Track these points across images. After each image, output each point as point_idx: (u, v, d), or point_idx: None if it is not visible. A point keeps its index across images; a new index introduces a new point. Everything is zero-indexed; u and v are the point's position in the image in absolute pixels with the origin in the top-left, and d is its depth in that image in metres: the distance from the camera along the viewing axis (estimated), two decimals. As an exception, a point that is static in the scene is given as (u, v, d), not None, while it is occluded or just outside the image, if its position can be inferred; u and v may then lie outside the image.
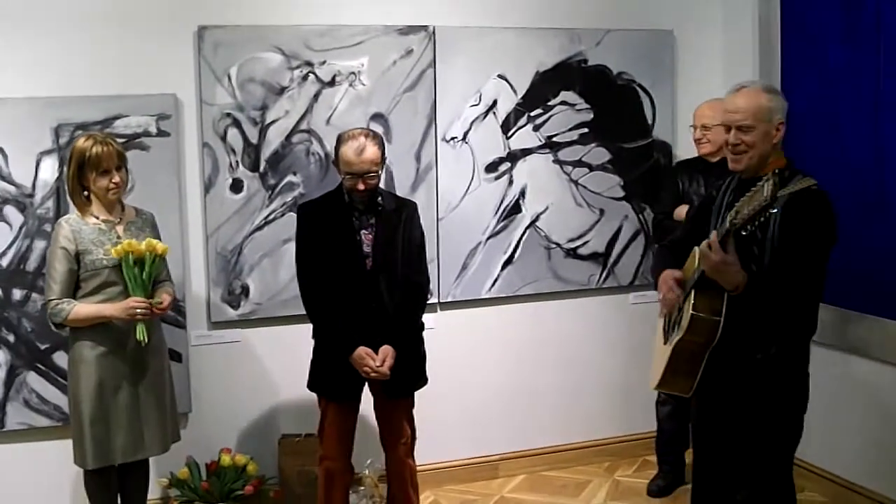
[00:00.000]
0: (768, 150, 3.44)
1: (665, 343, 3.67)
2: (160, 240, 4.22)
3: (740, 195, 3.38)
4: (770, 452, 3.54)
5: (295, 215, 4.82)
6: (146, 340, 4.05)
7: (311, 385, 4.41)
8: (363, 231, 4.26)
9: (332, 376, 4.31)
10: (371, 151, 4.12)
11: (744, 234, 3.26)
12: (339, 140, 4.20)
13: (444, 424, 5.21)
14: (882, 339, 4.66)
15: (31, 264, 4.58)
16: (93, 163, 4.00)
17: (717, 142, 4.65)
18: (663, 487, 5.19)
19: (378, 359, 4.20)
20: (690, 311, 3.40)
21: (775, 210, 3.23)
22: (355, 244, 4.24)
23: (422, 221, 4.44)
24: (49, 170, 4.57)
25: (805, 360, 3.55)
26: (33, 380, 4.63)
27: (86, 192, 4.09)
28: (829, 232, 3.38)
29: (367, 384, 4.35)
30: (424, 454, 4.91)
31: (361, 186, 4.14)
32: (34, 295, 4.59)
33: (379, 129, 4.90)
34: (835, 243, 3.41)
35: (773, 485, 3.57)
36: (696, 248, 3.44)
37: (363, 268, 4.24)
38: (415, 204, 4.43)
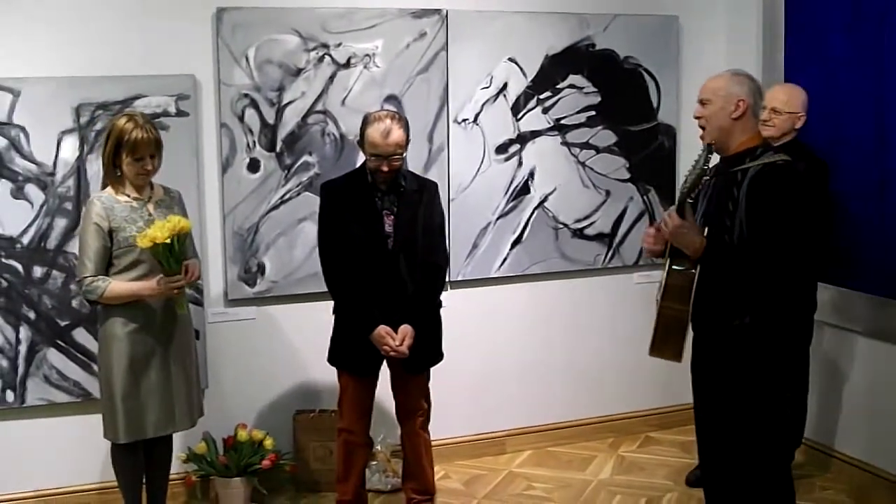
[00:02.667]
0: (727, 124, 3.63)
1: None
2: (187, 217, 4.28)
3: (721, 175, 3.66)
4: (752, 424, 3.64)
5: (309, 195, 4.97)
6: (186, 311, 4.15)
7: (332, 359, 4.50)
8: (385, 211, 4.34)
9: (352, 352, 4.40)
10: (397, 134, 4.20)
11: (689, 201, 3.57)
12: (366, 121, 4.27)
13: (453, 401, 5.29)
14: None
15: (52, 242, 4.64)
16: (129, 146, 4.03)
17: (781, 128, 4.70)
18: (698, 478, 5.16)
19: (398, 338, 4.30)
20: (665, 278, 3.63)
21: (708, 178, 3.62)
22: (377, 224, 4.32)
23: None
24: (70, 149, 4.62)
25: (789, 337, 3.68)
26: (53, 356, 4.69)
27: (118, 172, 4.14)
28: (791, 204, 3.50)
29: (385, 360, 4.46)
30: (434, 430, 4.98)
31: (386, 168, 4.23)
32: (55, 272, 4.64)
33: (392, 110, 4.97)
34: (807, 214, 3.55)
35: (760, 461, 3.67)
36: None
37: (385, 247, 4.32)
38: (436, 185, 4.52)
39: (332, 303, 4.47)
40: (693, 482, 5.07)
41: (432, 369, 4.60)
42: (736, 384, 3.64)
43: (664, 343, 3.70)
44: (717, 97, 3.64)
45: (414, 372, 4.49)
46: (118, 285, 4.07)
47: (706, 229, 3.58)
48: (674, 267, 3.64)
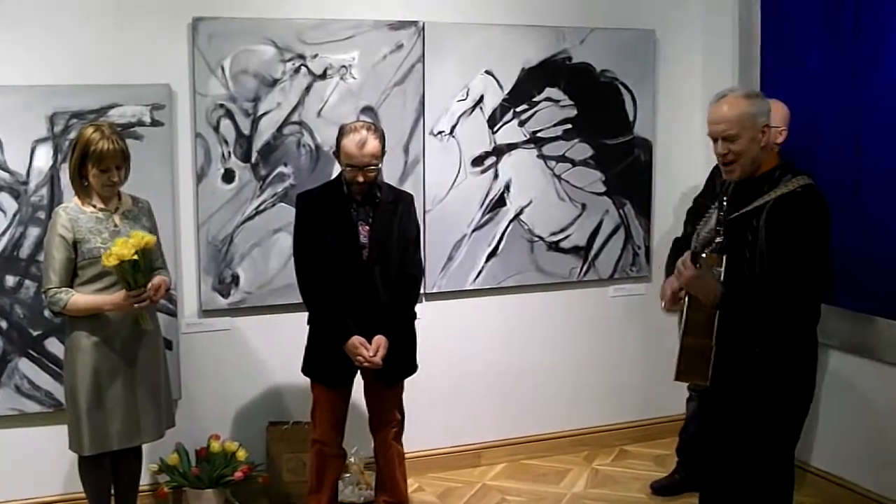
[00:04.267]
0: (757, 153, 3.51)
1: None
2: (157, 228, 4.30)
3: (735, 196, 3.55)
4: (767, 448, 3.62)
5: (284, 206, 4.97)
6: (151, 326, 4.13)
7: (306, 370, 4.51)
8: (360, 222, 4.35)
9: (326, 362, 4.41)
10: (372, 145, 4.21)
11: (704, 254, 3.48)
12: (342, 132, 4.29)
13: (427, 413, 5.28)
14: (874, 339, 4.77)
15: (25, 251, 4.61)
16: (95, 157, 4.02)
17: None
18: (665, 486, 5.19)
19: (371, 349, 4.30)
20: (686, 312, 3.55)
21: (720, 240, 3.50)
22: (352, 235, 4.33)
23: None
24: (44, 158, 4.59)
25: (807, 359, 3.61)
26: (25, 366, 4.66)
27: (85, 182, 4.12)
28: (814, 230, 3.44)
29: (359, 370, 4.45)
30: (408, 442, 4.98)
31: (361, 178, 4.24)
32: (27, 282, 4.61)
33: (368, 121, 4.98)
34: (827, 239, 3.48)
35: (769, 482, 3.67)
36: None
37: (359, 258, 4.33)
38: (411, 196, 4.54)
39: (306, 314, 4.47)
40: (658, 490, 5.14)
41: (407, 381, 4.61)
42: (757, 408, 3.58)
43: (690, 371, 3.64)
44: (745, 129, 3.45)
45: (388, 383, 4.49)
46: (80, 298, 4.05)
47: (724, 259, 3.48)
48: (694, 303, 3.54)
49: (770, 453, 3.64)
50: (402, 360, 4.50)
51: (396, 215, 4.41)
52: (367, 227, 4.36)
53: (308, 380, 4.52)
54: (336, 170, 4.85)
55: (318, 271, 4.36)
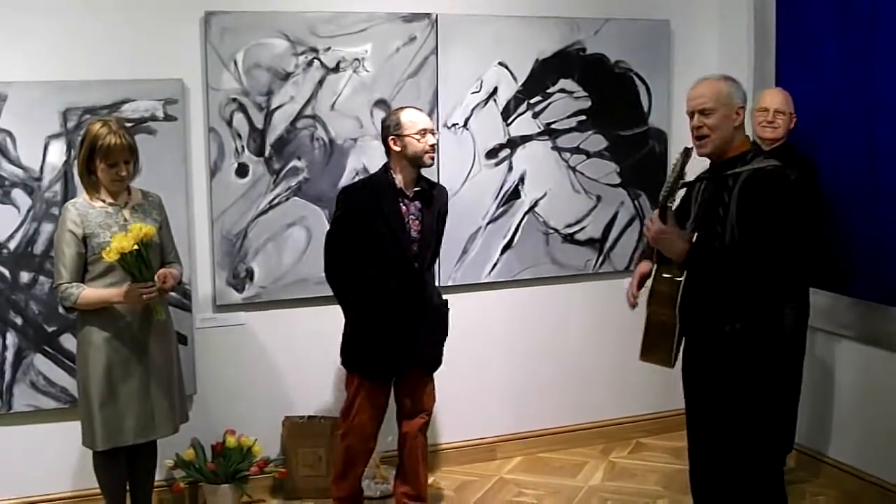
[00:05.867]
0: (730, 133, 3.60)
1: None
2: (168, 221, 4.31)
3: (712, 181, 3.65)
4: (744, 430, 3.62)
5: (298, 199, 5.00)
6: (164, 318, 4.12)
7: (348, 363, 4.51)
8: (411, 217, 4.42)
9: (370, 355, 4.43)
10: (425, 114, 4.51)
11: (669, 205, 3.59)
12: (392, 114, 4.43)
13: (443, 407, 5.25)
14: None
15: (39, 247, 4.61)
16: (103, 152, 4.02)
17: (786, 127, 4.79)
18: None
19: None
20: (652, 283, 3.67)
21: (700, 183, 3.64)
22: (405, 229, 4.39)
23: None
24: (57, 153, 4.59)
25: (779, 340, 3.63)
26: (40, 362, 4.66)
27: (93, 177, 4.12)
28: (783, 209, 3.48)
29: (401, 363, 4.49)
30: (425, 436, 5.01)
31: (433, 140, 4.37)
32: (41, 278, 4.61)
33: (382, 115, 4.96)
34: (798, 220, 3.51)
35: (752, 466, 3.65)
36: None
37: (409, 253, 4.39)
38: (445, 188, 4.68)
39: (321, 308, 4.48)
40: None
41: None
42: (728, 390, 3.61)
43: (654, 348, 3.74)
44: (720, 105, 3.58)
45: (431, 375, 4.59)
46: (90, 292, 4.06)
47: (695, 235, 3.57)
48: (663, 274, 3.65)
49: (746, 444, 3.63)
50: (442, 350, 4.60)
51: (438, 210, 4.52)
52: (418, 222, 4.42)
53: (324, 374, 4.53)
54: (349, 163, 4.90)
55: (360, 266, 4.38)
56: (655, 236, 3.59)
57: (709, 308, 3.60)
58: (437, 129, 5.07)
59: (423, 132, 4.34)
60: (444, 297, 4.60)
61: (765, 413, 3.64)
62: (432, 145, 4.37)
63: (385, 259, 4.36)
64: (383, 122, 4.44)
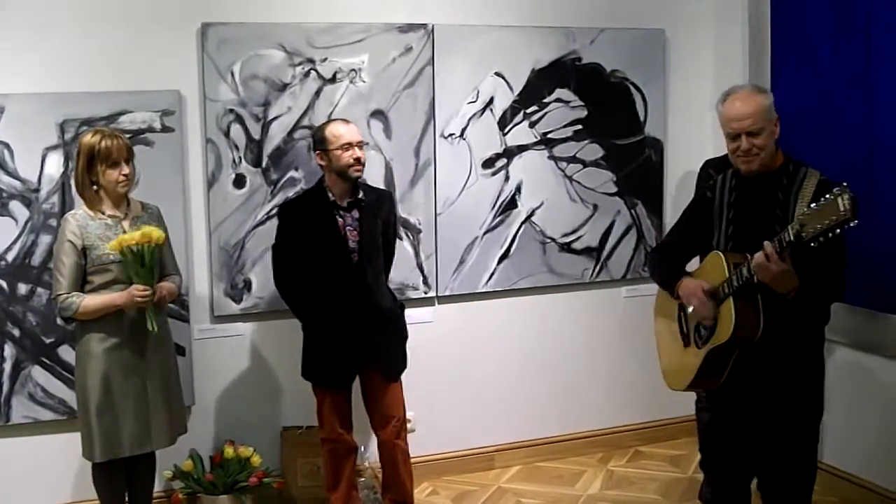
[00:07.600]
0: (773, 146, 3.54)
1: (687, 347, 3.77)
2: (167, 233, 4.28)
3: (743, 194, 3.56)
4: (801, 433, 3.65)
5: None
6: (155, 329, 4.10)
7: (305, 374, 4.60)
8: (348, 228, 4.45)
9: (325, 365, 4.50)
10: (352, 125, 4.45)
11: (812, 245, 3.18)
12: (318, 128, 4.51)
13: (441, 416, 5.30)
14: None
15: (37, 259, 4.61)
16: (103, 155, 4.04)
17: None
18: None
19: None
20: (733, 320, 3.46)
21: (856, 223, 3.12)
22: (342, 241, 4.42)
23: (418, 216, 4.79)
24: (54, 165, 4.60)
25: (822, 344, 3.71)
26: (38, 374, 4.66)
27: (95, 187, 4.12)
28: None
29: (358, 371, 4.55)
30: (422, 445, 5.01)
31: (359, 155, 4.38)
32: (39, 289, 4.61)
33: (379, 125, 5.03)
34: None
35: (802, 465, 3.70)
36: (720, 255, 3.55)
37: (349, 262, 4.43)
38: (391, 194, 4.72)
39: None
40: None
41: (420, 384, 4.67)
42: (780, 406, 3.60)
43: (706, 377, 3.67)
44: (766, 122, 3.47)
45: (393, 379, 4.57)
46: (92, 299, 4.06)
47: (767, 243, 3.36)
48: (742, 308, 3.44)
49: (797, 452, 3.66)
50: (402, 355, 4.62)
51: (381, 215, 4.53)
52: (356, 232, 4.45)
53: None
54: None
55: (304, 278, 4.46)
56: (777, 276, 3.30)
57: (775, 328, 3.48)
58: (435, 142, 5.10)
59: (348, 146, 4.36)
60: (438, 307, 4.62)
61: (811, 430, 3.69)
62: (357, 158, 4.38)
63: (327, 269, 4.42)
64: (311, 135, 4.52)
